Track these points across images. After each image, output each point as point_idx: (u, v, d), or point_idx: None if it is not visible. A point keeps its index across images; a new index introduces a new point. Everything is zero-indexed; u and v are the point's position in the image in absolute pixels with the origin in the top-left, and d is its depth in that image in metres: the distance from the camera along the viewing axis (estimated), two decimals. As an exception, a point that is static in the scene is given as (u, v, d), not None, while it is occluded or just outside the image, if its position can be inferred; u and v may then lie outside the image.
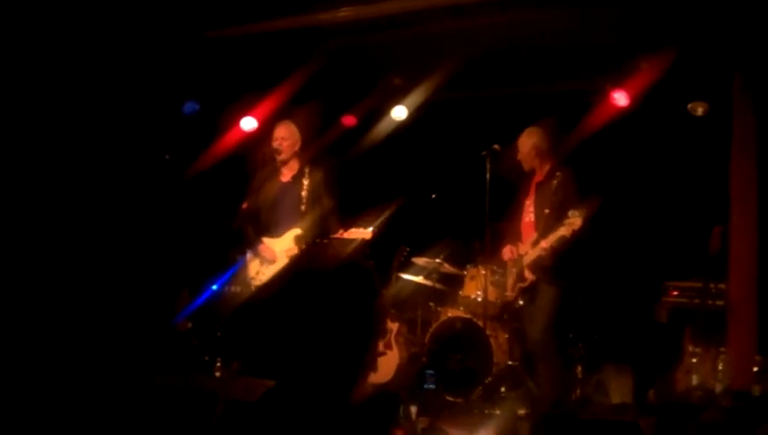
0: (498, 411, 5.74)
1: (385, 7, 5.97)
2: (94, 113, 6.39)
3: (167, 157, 7.02)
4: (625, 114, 6.59)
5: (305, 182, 6.10)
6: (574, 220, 5.50)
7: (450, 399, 6.08)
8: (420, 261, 6.92)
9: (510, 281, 6.16)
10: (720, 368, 5.28)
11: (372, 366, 1.96)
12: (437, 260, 6.82)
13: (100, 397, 4.64)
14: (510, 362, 6.24)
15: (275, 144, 6.13)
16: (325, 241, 5.78)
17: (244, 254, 6.21)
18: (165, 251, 7.06)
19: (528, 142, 6.04)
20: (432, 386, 5.98)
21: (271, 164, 6.23)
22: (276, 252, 6.05)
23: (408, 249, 6.97)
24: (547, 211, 5.83)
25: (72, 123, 6.25)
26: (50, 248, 6.10)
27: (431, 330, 6.57)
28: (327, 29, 6.30)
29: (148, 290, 6.72)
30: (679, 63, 6.01)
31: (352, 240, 5.66)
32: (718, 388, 5.22)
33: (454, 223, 7.16)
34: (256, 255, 6.12)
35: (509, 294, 6.18)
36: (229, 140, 7.33)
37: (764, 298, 5.45)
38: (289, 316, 1.92)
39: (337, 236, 5.77)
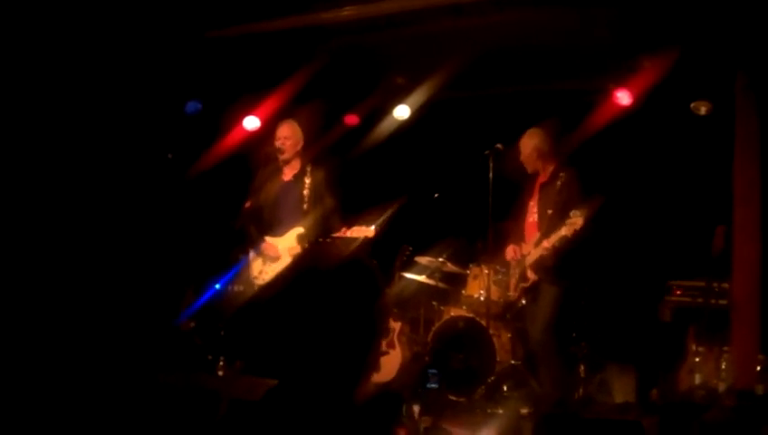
0: (501, 411, 5.73)
1: (387, 6, 5.97)
2: (97, 113, 6.40)
3: (169, 156, 7.02)
4: (628, 113, 6.58)
5: (307, 181, 6.11)
6: (576, 220, 5.50)
7: (453, 398, 6.08)
8: (423, 260, 6.92)
9: (513, 280, 6.16)
10: (723, 367, 5.28)
11: (375, 365, 1.95)
12: (440, 259, 6.82)
13: (104, 396, 4.64)
14: (513, 362, 6.24)
15: (278, 143, 6.13)
16: (328, 240, 5.78)
17: (246, 253, 6.21)
18: (167, 250, 7.07)
19: (529, 144, 6.03)
20: (435, 385, 5.99)
21: (273, 163, 6.23)
22: (279, 249, 6.05)
23: (410, 248, 6.97)
24: (550, 212, 5.83)
25: (74, 123, 6.25)
26: (52, 247, 6.11)
27: (434, 329, 6.57)
28: (329, 28, 6.30)
29: (151, 289, 6.72)
30: (682, 63, 6.01)
31: (355, 239, 5.66)
32: (721, 387, 5.22)
33: (457, 222, 7.16)
34: (259, 253, 6.13)
35: (512, 293, 6.18)
36: (232, 140, 7.34)
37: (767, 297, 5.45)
38: (292, 315, 1.91)
39: (339, 234, 5.78)
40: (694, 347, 5.52)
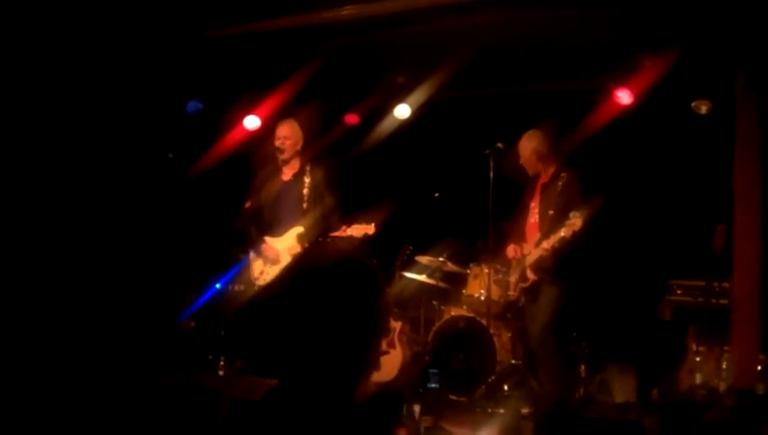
0: (501, 410, 5.74)
1: (387, 5, 5.96)
2: (97, 113, 6.40)
3: (170, 156, 7.02)
4: (628, 112, 6.58)
5: (306, 180, 6.11)
6: (575, 221, 5.50)
7: (453, 398, 6.08)
8: (423, 260, 6.92)
9: (513, 280, 6.15)
10: (724, 367, 5.28)
11: (375, 365, 1.95)
12: (441, 259, 6.82)
13: (105, 396, 4.64)
14: (513, 361, 6.24)
15: (278, 143, 6.13)
16: (328, 239, 5.78)
17: (247, 253, 6.21)
18: (168, 250, 7.07)
19: (528, 147, 6.03)
20: (435, 385, 5.99)
21: (273, 163, 6.23)
22: (279, 251, 6.05)
23: (411, 248, 6.97)
24: (551, 212, 5.83)
25: (75, 123, 6.25)
26: (53, 247, 6.11)
27: (434, 329, 6.57)
28: (330, 27, 6.30)
29: (152, 289, 6.72)
30: (683, 62, 6.00)
31: (355, 238, 5.66)
32: (722, 387, 5.22)
33: (457, 221, 7.16)
34: (259, 255, 6.13)
35: (512, 293, 6.17)
36: (232, 139, 7.34)
37: (768, 297, 5.45)
38: (292, 315, 1.91)
39: (339, 232, 5.78)
40: (694, 347, 5.51)
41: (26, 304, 5.77)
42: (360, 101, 7.68)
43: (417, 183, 7.40)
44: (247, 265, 6.19)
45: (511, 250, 6.14)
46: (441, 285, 6.94)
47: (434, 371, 6.10)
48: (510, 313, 6.37)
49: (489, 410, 5.78)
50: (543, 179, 6.05)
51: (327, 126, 7.44)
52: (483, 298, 6.40)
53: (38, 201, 6.05)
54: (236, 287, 6.48)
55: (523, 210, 6.16)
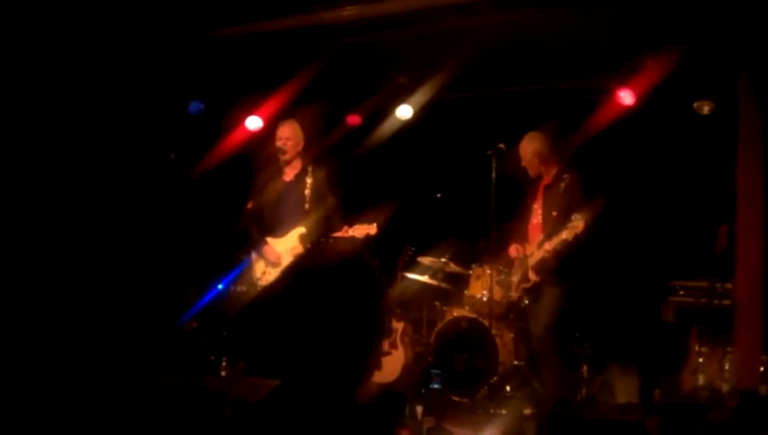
0: (504, 411, 5.73)
1: (389, 6, 5.96)
2: (99, 114, 6.40)
3: (172, 156, 7.02)
4: (630, 113, 6.57)
5: (308, 181, 6.10)
6: (577, 223, 5.49)
7: (455, 398, 6.08)
8: (426, 260, 6.91)
9: (515, 281, 6.15)
10: (727, 368, 5.27)
11: (377, 366, 1.95)
12: (443, 259, 6.82)
13: (107, 398, 4.64)
14: (515, 362, 6.24)
15: (279, 144, 6.13)
16: (330, 240, 5.77)
17: (249, 254, 6.21)
18: (170, 251, 7.07)
19: (529, 149, 6.01)
20: (437, 386, 5.99)
21: (274, 164, 6.23)
22: (281, 252, 6.05)
23: (413, 248, 6.97)
24: (554, 214, 5.82)
25: (77, 124, 6.25)
26: (54, 248, 6.11)
27: (436, 329, 6.57)
28: (331, 28, 6.30)
29: (154, 290, 6.72)
30: (685, 62, 6.00)
31: (357, 239, 5.66)
32: (725, 388, 5.21)
33: (459, 222, 7.15)
34: (261, 256, 6.12)
35: (514, 293, 6.17)
36: (234, 140, 7.34)
37: (771, 298, 5.44)
38: (294, 316, 1.91)
39: (341, 233, 5.77)
40: (697, 347, 5.50)
41: (30, 306, 5.77)
42: (362, 101, 7.69)
43: (419, 184, 7.40)
44: (249, 266, 6.19)
45: (513, 250, 6.14)
46: (443, 285, 6.94)
47: (436, 371, 6.09)
48: (512, 313, 6.36)
49: (491, 411, 5.77)
50: (546, 181, 6.04)
51: (329, 126, 7.44)
52: (485, 299, 6.40)
53: (41, 202, 6.05)
54: (238, 288, 6.47)
55: (525, 211, 6.15)
